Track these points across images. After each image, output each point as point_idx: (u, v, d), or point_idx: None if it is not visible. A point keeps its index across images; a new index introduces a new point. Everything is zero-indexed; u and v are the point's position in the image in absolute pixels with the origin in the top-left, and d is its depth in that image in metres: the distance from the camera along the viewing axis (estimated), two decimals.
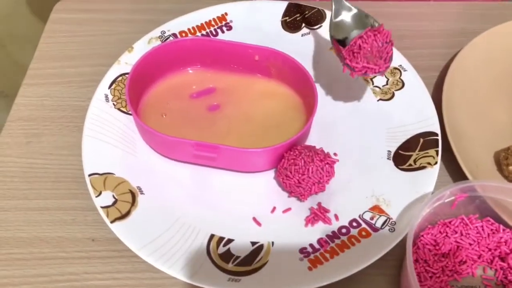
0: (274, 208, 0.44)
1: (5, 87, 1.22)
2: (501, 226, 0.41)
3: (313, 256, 0.40)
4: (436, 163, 0.44)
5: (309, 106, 0.47)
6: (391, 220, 0.42)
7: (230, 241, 0.41)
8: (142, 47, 0.52)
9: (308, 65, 0.51)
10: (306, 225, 0.42)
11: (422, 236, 0.41)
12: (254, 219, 0.43)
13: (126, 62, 0.51)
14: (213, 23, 0.56)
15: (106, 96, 0.49)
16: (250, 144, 0.44)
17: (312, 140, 0.48)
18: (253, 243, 0.41)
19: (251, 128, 0.48)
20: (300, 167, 0.42)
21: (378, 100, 0.50)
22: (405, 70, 0.51)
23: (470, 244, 0.41)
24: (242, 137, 0.47)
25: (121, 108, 0.49)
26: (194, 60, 0.51)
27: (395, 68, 0.51)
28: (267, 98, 0.50)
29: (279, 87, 0.51)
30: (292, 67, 0.48)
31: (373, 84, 0.51)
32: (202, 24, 0.56)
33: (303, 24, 0.56)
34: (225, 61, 0.50)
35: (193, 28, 0.55)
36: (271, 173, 0.46)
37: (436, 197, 0.38)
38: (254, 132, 0.48)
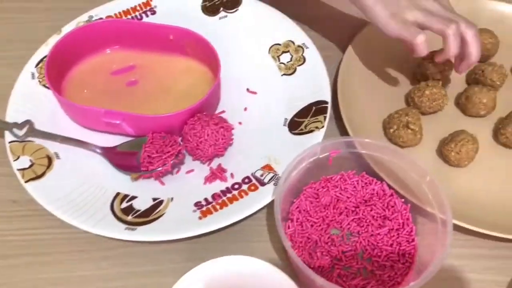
0: (178, 170, 0.49)
1: None
2: (374, 180, 0.46)
3: (205, 208, 0.45)
4: (323, 127, 0.49)
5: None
6: (277, 176, 0.46)
7: (133, 198, 0.46)
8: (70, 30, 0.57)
9: (224, 44, 0.55)
10: (204, 183, 0.47)
11: (305, 190, 0.46)
12: (159, 179, 0.48)
13: None
14: (138, 8, 0.60)
15: (33, 74, 0.53)
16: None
17: (221, 111, 0.53)
18: (154, 199, 0.46)
19: (166, 101, 0.53)
20: (198, 131, 0.47)
21: (282, 75, 0.55)
22: (307, 48, 0.56)
23: (348, 198, 0.46)
24: (156, 108, 0.52)
25: (46, 85, 0.53)
26: (113, 41, 0.55)
27: (299, 46, 0.56)
28: (183, 74, 0.55)
29: (194, 64, 0.56)
30: (203, 45, 0.53)
31: (279, 61, 0.56)
32: (128, 9, 0.60)
33: (221, 8, 0.61)
34: (143, 41, 0.55)
35: (119, 13, 0.60)
36: None
37: (308, 152, 0.43)
38: (168, 104, 0.53)
